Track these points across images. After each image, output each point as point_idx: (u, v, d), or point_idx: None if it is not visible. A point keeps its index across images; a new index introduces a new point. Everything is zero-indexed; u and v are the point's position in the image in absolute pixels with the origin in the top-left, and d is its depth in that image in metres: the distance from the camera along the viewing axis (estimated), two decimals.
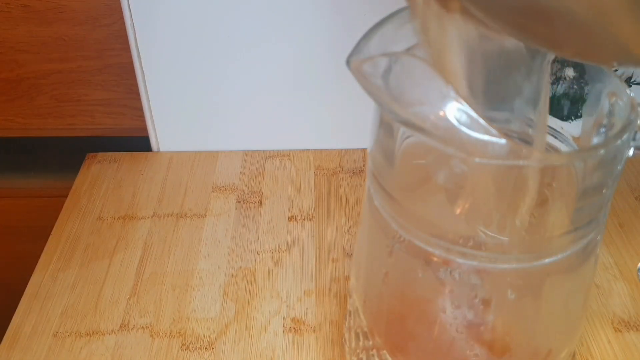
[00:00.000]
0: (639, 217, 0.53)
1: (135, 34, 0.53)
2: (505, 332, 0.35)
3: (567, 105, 0.34)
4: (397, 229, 0.32)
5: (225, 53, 0.54)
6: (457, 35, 0.28)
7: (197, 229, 0.52)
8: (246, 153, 0.60)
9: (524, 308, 0.35)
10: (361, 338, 0.39)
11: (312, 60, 0.55)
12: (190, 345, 0.43)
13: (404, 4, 0.30)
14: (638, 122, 0.29)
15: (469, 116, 0.27)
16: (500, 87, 0.32)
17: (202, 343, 0.43)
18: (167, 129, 0.59)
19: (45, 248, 0.50)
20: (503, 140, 0.27)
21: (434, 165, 0.31)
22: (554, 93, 0.34)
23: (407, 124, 0.28)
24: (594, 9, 0.20)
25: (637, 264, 0.48)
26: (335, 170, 0.58)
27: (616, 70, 0.44)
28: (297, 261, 0.49)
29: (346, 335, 0.41)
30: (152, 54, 0.54)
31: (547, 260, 0.31)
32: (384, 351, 0.37)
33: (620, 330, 0.44)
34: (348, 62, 0.29)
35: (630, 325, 0.44)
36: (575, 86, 0.34)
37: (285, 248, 0.50)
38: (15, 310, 0.46)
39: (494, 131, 0.26)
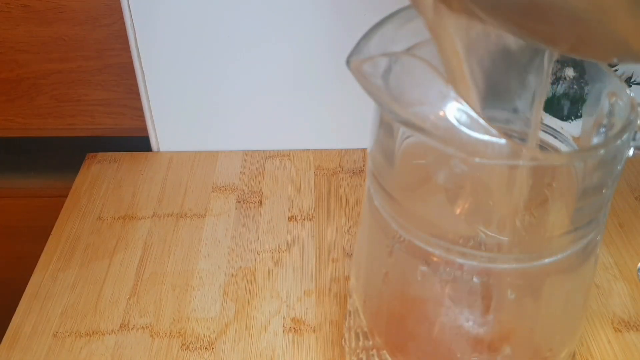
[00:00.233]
0: (639, 217, 0.53)
1: (135, 34, 0.53)
2: (505, 332, 0.35)
3: (567, 105, 0.34)
4: (397, 229, 0.32)
5: (225, 53, 0.54)
6: (464, 42, 0.28)
7: (197, 229, 0.52)
8: (246, 153, 0.60)
9: (524, 308, 0.35)
10: (361, 338, 0.39)
11: (312, 60, 0.55)
12: (190, 345, 0.43)
13: (404, 3, 0.30)
14: (638, 122, 0.29)
15: (469, 116, 0.27)
16: (500, 86, 0.32)
17: (202, 343, 0.43)
18: (167, 129, 0.59)
19: (45, 248, 0.50)
20: (503, 140, 0.27)
21: (434, 165, 0.31)
22: (554, 93, 0.34)
23: (407, 124, 0.28)
24: (594, 5, 0.20)
25: (637, 264, 0.48)
26: (335, 170, 0.58)
27: (616, 70, 0.44)
28: (297, 261, 0.49)
29: (346, 335, 0.41)
30: (152, 54, 0.54)
31: (547, 260, 0.31)
32: (384, 351, 0.37)
33: (620, 330, 0.44)
34: (348, 62, 0.29)
35: (630, 325, 0.44)
36: (575, 86, 0.34)
37: (285, 248, 0.50)
38: (15, 310, 0.46)
39: (494, 131, 0.26)
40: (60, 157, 0.64)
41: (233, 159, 0.59)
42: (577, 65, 0.33)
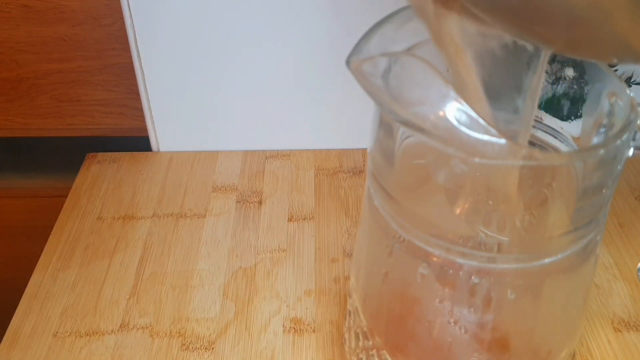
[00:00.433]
0: (639, 217, 0.53)
1: (135, 34, 0.53)
2: (505, 332, 0.35)
3: (567, 105, 0.34)
4: (397, 229, 0.32)
5: (225, 53, 0.54)
6: (472, 49, 0.28)
7: (197, 229, 0.52)
8: (246, 153, 0.60)
9: (524, 308, 0.35)
10: (361, 338, 0.39)
11: (312, 60, 0.55)
12: (190, 345, 0.43)
13: (404, 3, 0.30)
14: (638, 122, 0.29)
15: (469, 116, 0.27)
16: (500, 86, 0.32)
17: (202, 343, 0.43)
18: (167, 129, 0.59)
19: (45, 248, 0.50)
20: (503, 140, 0.27)
21: (434, 165, 0.31)
22: (554, 93, 0.34)
23: (407, 124, 0.28)
24: (594, 7, 0.20)
25: (637, 264, 0.48)
26: (335, 170, 0.58)
27: (616, 70, 0.44)
28: (297, 261, 0.49)
29: (346, 335, 0.41)
30: (152, 54, 0.54)
31: (547, 260, 0.31)
32: (384, 351, 0.37)
33: (620, 330, 0.44)
34: (348, 62, 0.29)
35: (630, 325, 0.44)
36: (575, 86, 0.34)
37: (285, 248, 0.50)
38: (15, 310, 0.46)
39: (494, 131, 0.26)
40: (60, 157, 0.64)
41: (233, 159, 0.59)
42: (577, 65, 0.33)
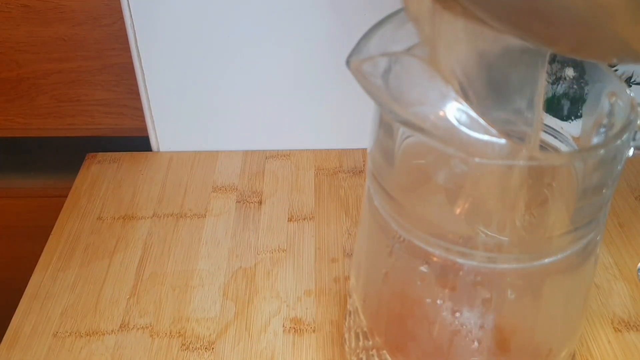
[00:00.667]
0: (639, 217, 0.53)
1: (135, 34, 0.53)
2: (505, 332, 0.35)
3: (567, 105, 0.34)
4: (397, 229, 0.32)
5: (225, 53, 0.54)
6: (457, 35, 0.28)
7: (197, 229, 0.52)
8: (246, 153, 0.60)
9: (524, 308, 0.35)
10: (361, 338, 0.39)
11: (312, 60, 0.55)
12: (190, 345, 0.43)
13: (402, 4, 0.30)
14: (638, 122, 0.29)
15: (469, 116, 0.27)
16: (500, 86, 0.32)
17: (202, 343, 0.43)
18: (167, 129, 0.59)
19: (45, 248, 0.50)
20: (503, 140, 0.27)
21: (434, 165, 0.31)
22: (554, 93, 0.34)
23: (407, 124, 0.28)
24: (595, 9, 0.20)
25: (637, 264, 0.48)
26: (335, 170, 0.58)
27: (616, 70, 0.44)
28: (297, 261, 0.49)
29: (346, 335, 0.41)
30: (152, 54, 0.54)
31: (547, 260, 0.31)
32: (384, 351, 0.37)
33: (620, 330, 0.44)
34: (348, 62, 0.29)
35: (630, 325, 0.44)
36: (575, 86, 0.34)
37: (285, 248, 0.50)
38: (15, 310, 0.46)
39: (494, 131, 0.26)
40: (60, 157, 0.64)
41: (233, 159, 0.59)
42: (577, 66, 0.33)
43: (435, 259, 0.32)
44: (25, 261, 0.55)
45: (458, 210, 0.31)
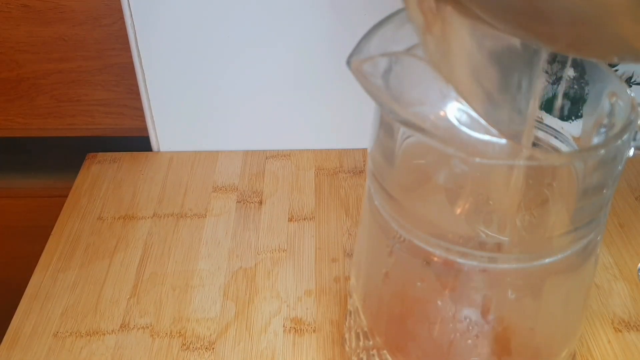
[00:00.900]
0: (639, 217, 0.53)
1: (135, 34, 0.53)
2: (505, 332, 0.35)
3: (567, 105, 0.34)
4: (397, 229, 0.32)
5: (225, 53, 0.54)
6: (460, 40, 0.28)
7: (197, 229, 0.52)
8: (246, 153, 0.60)
9: (524, 308, 0.35)
10: (361, 338, 0.39)
11: (312, 60, 0.55)
12: (191, 346, 0.43)
13: (404, 4, 0.30)
14: (638, 122, 0.29)
15: (469, 116, 0.27)
16: (500, 86, 0.32)
17: (202, 343, 0.43)
18: (167, 129, 0.59)
19: (45, 248, 0.50)
20: (503, 140, 0.27)
21: (434, 165, 0.31)
22: (554, 93, 0.34)
23: (407, 124, 0.28)
24: (596, 8, 0.20)
25: (637, 264, 0.48)
26: (336, 170, 0.58)
27: (616, 70, 0.44)
28: (297, 261, 0.49)
29: (346, 335, 0.41)
30: (152, 54, 0.54)
31: (547, 260, 0.31)
32: (384, 351, 0.37)
33: (620, 330, 0.44)
34: (348, 62, 0.29)
35: (630, 325, 0.44)
36: (575, 86, 0.34)
37: (285, 248, 0.50)
38: (15, 310, 0.46)
39: (494, 131, 0.26)
40: (60, 157, 0.64)
41: (233, 159, 0.59)
42: (578, 65, 0.33)
43: (435, 259, 0.32)
44: (25, 261, 0.55)
45: (458, 210, 0.31)
